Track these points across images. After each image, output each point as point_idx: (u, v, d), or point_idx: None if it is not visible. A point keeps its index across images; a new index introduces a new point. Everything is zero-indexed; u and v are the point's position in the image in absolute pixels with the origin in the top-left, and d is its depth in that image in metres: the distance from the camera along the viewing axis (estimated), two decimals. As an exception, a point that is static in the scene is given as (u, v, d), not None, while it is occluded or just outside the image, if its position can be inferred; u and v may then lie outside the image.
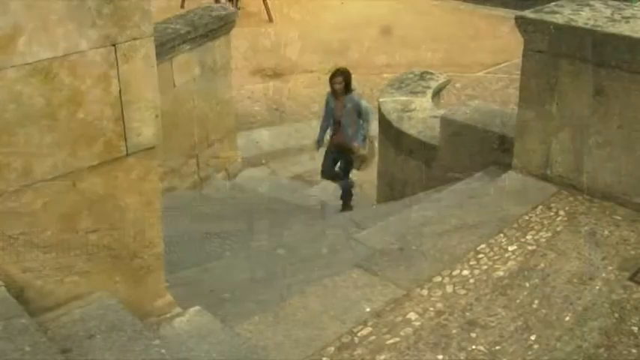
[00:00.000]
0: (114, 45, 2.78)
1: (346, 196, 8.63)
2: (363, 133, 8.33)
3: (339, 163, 8.65)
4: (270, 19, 16.88)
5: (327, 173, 8.71)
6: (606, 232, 4.24)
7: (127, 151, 2.95)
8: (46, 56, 2.60)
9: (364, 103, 8.40)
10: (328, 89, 8.49)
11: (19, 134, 2.61)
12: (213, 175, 9.02)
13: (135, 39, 2.83)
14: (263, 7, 16.83)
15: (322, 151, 8.71)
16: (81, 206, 2.88)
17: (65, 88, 2.69)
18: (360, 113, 8.26)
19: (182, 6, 16.74)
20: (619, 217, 4.39)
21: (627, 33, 4.26)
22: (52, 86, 2.65)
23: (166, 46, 7.48)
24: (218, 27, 8.43)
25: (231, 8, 9.92)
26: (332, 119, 8.42)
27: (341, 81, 8.17)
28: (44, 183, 2.74)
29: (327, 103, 8.53)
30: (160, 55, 6.88)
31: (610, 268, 3.91)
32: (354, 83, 8.53)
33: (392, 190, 6.64)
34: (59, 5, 2.58)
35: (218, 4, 11.32)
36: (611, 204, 4.51)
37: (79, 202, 2.87)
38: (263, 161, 10.38)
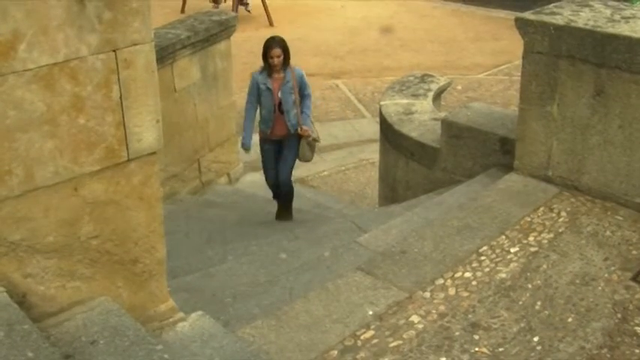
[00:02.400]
0: (114, 50, 2.78)
1: (288, 199, 7.45)
2: (308, 113, 7.15)
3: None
4: (271, 23, 16.90)
5: (274, 176, 7.32)
6: (608, 233, 4.24)
7: (128, 156, 2.95)
8: (46, 62, 2.60)
9: (304, 74, 7.17)
10: (255, 69, 7.23)
11: (20, 140, 2.62)
12: (215, 179, 9.02)
13: (135, 44, 2.84)
14: (263, 11, 16.85)
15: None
16: (82, 212, 2.88)
17: (66, 94, 2.69)
18: (302, 87, 7.03)
19: (182, 11, 16.77)
20: (621, 218, 4.39)
21: (627, 33, 4.26)
22: (53, 92, 2.65)
23: (167, 51, 7.49)
24: (219, 31, 8.43)
25: (231, 12, 9.92)
26: (266, 106, 6.99)
27: (279, 53, 6.83)
28: (45, 189, 2.74)
29: (254, 86, 7.01)
30: (160, 60, 6.92)
31: (612, 268, 3.91)
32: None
33: (393, 193, 6.64)
34: (59, 11, 2.58)
35: (216, 9, 11.33)
36: (613, 204, 4.51)
37: (80, 207, 2.87)
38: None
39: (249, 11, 16.96)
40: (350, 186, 9.63)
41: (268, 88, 6.95)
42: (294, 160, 7.29)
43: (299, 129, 7.02)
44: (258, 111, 7.18)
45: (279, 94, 6.94)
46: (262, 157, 7.41)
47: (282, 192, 7.38)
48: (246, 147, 7.24)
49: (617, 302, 3.64)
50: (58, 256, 2.87)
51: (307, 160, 7.35)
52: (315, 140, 7.22)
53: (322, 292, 3.76)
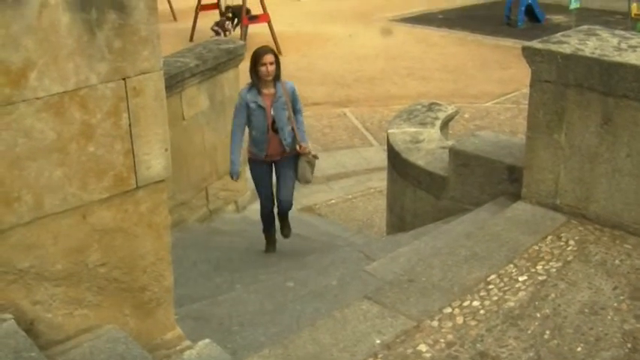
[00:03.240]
0: (124, 79, 2.81)
1: (287, 211, 7.07)
2: (303, 129, 6.70)
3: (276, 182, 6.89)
4: (279, 52, 17.00)
5: (271, 194, 6.91)
6: (617, 262, 4.22)
7: (136, 184, 2.97)
8: (56, 90, 2.63)
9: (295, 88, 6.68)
10: (242, 85, 6.77)
11: (30, 168, 2.63)
12: (223, 207, 9.03)
13: (145, 73, 2.86)
14: (271, 39, 16.96)
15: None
16: (91, 239, 2.89)
17: (76, 122, 2.71)
18: (294, 102, 6.55)
19: (191, 39, 16.90)
20: (629, 246, 4.37)
21: (634, 62, 4.27)
22: (63, 120, 2.68)
23: (175, 79, 7.54)
24: (227, 60, 8.49)
25: (239, 41, 9.98)
26: (258, 126, 6.47)
27: (272, 60, 6.33)
28: (54, 216, 2.76)
29: (243, 106, 6.45)
30: (169, 88, 6.95)
31: (622, 297, 3.89)
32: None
33: (401, 222, 6.62)
34: (70, 40, 2.61)
35: (220, 35, 11.39)
36: (622, 233, 4.49)
37: (88, 235, 2.88)
38: (272, 193, 10.39)
39: (225, 36, 16.96)
40: (357, 214, 9.62)
41: (260, 106, 6.39)
42: (294, 180, 6.80)
43: (297, 147, 6.55)
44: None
45: (272, 112, 6.42)
46: (256, 180, 6.90)
47: (283, 209, 6.98)
48: (234, 174, 6.73)
49: (626, 332, 3.62)
50: (66, 284, 2.88)
51: (307, 180, 6.79)
52: (315, 157, 6.76)
53: (329, 321, 3.74)
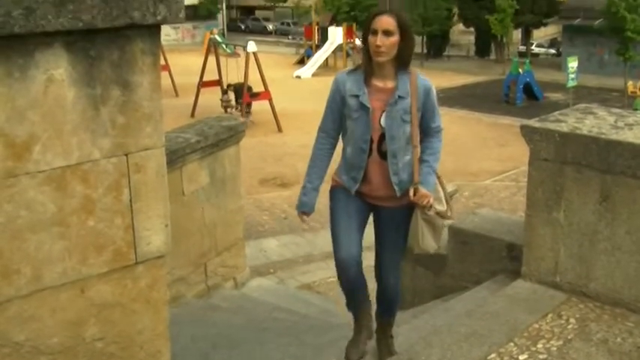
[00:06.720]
0: (126, 155, 2.84)
1: (392, 310, 4.58)
2: (434, 165, 4.05)
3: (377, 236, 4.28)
4: (280, 129, 17.21)
5: (353, 253, 4.10)
6: (619, 340, 4.18)
7: (136, 259, 2.97)
8: (59, 164, 2.65)
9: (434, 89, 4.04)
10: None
11: (30, 240, 2.64)
12: (222, 283, 8.98)
13: (147, 149, 2.90)
14: (272, 117, 17.16)
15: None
16: (88, 313, 2.88)
17: (77, 196, 2.73)
18: (426, 114, 3.97)
19: (192, 114, 17.11)
20: (631, 324, 4.33)
21: (631, 140, 4.32)
22: (64, 194, 2.69)
23: (176, 155, 7.59)
24: (228, 137, 8.56)
25: (241, 118, 10.11)
26: (355, 138, 3.96)
27: (393, 28, 3.78)
28: (53, 289, 2.75)
29: (336, 98, 3.99)
30: (170, 163, 6.99)
31: (624, 377, 3.84)
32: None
33: (400, 300, 6.59)
34: (74, 115, 2.65)
35: (227, 114, 11.56)
36: (623, 310, 4.46)
37: (86, 309, 2.87)
38: (271, 270, 10.36)
39: (251, 121, 17.18)
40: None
41: (362, 105, 3.89)
42: (405, 246, 4.25)
43: (411, 192, 3.97)
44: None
45: (382, 119, 3.90)
46: (334, 220, 4.11)
47: (383, 297, 4.52)
48: (306, 209, 4.15)
49: (629, 412, 3.56)
50: (62, 358, 2.85)
51: (427, 249, 4.10)
52: (443, 215, 4.09)
53: (328, 400, 3.69)
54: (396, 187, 3.98)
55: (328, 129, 4.11)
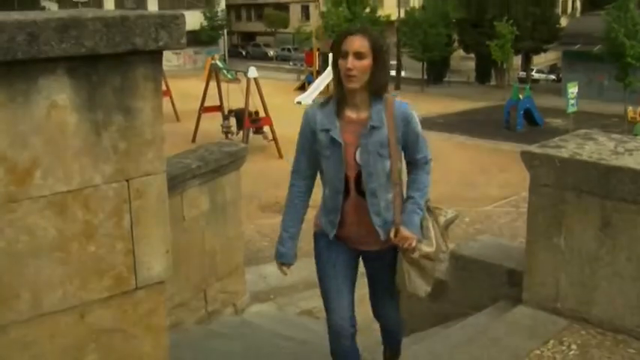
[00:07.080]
0: (127, 180, 2.85)
1: (398, 338, 4.56)
2: (420, 202, 3.73)
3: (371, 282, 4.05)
4: (280, 155, 17.23)
5: (349, 337, 3.95)
6: (620, 367, 4.16)
7: (136, 284, 2.96)
8: (61, 189, 2.66)
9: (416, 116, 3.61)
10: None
11: (30, 265, 2.64)
12: (221, 309, 8.95)
13: (148, 175, 2.90)
14: (273, 143, 17.21)
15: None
16: (88, 339, 2.87)
17: (78, 221, 2.74)
18: (408, 145, 3.61)
19: (193, 140, 17.16)
20: (633, 351, 4.31)
21: (631, 165, 4.32)
22: (65, 219, 2.70)
23: (177, 180, 7.58)
24: (229, 162, 8.56)
25: (241, 144, 10.12)
26: (330, 178, 3.60)
27: (366, 49, 3.36)
28: (52, 314, 2.74)
29: (306, 133, 3.60)
30: (170, 188, 6.97)
31: (626, 404, 3.82)
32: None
33: (404, 328, 6.56)
34: (77, 141, 2.66)
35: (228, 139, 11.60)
36: (624, 337, 4.44)
37: (86, 334, 2.86)
38: (271, 296, 10.31)
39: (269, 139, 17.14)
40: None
41: (333, 141, 3.49)
42: (394, 290, 3.96)
43: (392, 233, 3.60)
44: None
45: (357, 155, 3.51)
46: (320, 272, 3.81)
47: (386, 333, 4.51)
48: (283, 260, 3.85)
49: None
50: (62, 384, 2.84)
51: (416, 292, 3.79)
52: (431, 258, 3.70)
53: None
54: (379, 229, 3.59)
55: (301, 170, 3.72)
